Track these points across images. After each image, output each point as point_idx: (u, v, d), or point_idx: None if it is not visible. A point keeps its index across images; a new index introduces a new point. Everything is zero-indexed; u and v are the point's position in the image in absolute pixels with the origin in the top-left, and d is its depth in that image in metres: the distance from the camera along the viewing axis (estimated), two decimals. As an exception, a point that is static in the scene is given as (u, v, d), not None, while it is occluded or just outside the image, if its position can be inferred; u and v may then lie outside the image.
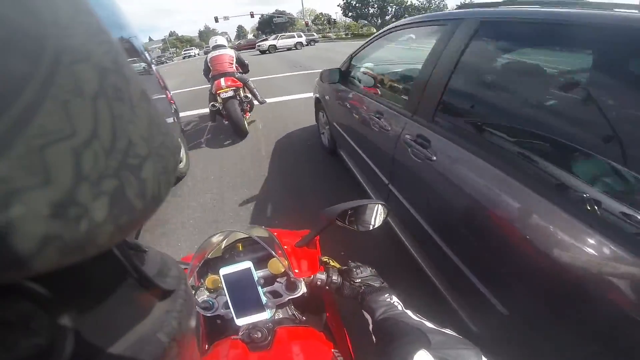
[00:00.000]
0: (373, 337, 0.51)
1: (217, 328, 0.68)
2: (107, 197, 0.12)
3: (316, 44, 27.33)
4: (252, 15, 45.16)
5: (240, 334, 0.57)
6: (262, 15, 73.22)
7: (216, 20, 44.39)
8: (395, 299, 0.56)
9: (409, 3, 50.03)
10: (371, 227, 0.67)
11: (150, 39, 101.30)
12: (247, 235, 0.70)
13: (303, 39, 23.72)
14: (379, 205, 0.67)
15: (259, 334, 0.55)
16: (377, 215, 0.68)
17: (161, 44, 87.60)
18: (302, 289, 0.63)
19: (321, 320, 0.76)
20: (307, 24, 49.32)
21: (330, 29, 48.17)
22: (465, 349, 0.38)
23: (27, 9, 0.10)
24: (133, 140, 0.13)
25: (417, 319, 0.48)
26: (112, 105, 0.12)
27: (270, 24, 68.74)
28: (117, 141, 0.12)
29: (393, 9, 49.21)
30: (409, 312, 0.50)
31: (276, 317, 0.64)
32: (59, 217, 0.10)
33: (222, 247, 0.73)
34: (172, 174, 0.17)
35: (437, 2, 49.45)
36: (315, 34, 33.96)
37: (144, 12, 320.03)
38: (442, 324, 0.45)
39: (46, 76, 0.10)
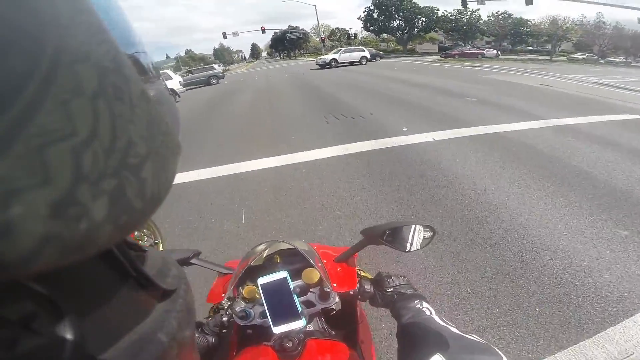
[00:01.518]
0: (397, 342, 0.51)
1: (247, 336, 0.70)
2: (106, 197, 0.12)
3: (381, 59, 27.58)
4: (263, 31, 43.48)
5: (272, 341, 0.59)
6: (275, 32, 73.78)
7: (224, 36, 43.73)
8: (425, 305, 0.57)
9: (440, 14, 46.78)
10: (415, 249, 0.69)
11: (167, 57, 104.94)
12: (288, 247, 0.74)
13: (367, 53, 23.42)
14: (428, 228, 0.70)
15: (290, 344, 0.57)
16: (422, 236, 0.69)
17: (174, 62, 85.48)
18: (335, 299, 0.65)
19: (350, 336, 0.77)
20: (323, 40, 48.73)
21: (349, 44, 48.12)
22: (487, 355, 0.37)
23: (27, 9, 0.10)
24: (133, 139, 0.13)
25: (443, 324, 0.48)
26: (112, 105, 0.12)
27: (284, 41, 69.89)
28: (117, 141, 0.12)
29: (421, 21, 46.39)
30: (436, 318, 0.51)
31: (307, 329, 0.65)
32: (59, 216, 0.10)
33: (264, 256, 0.77)
34: (172, 173, 0.17)
35: (468, 15, 46.21)
36: (374, 49, 34.97)
37: (163, 29, 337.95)
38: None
39: (46, 76, 0.10)
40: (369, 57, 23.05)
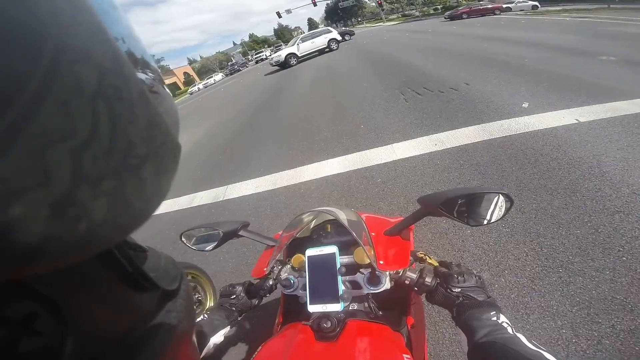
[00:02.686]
0: None
1: (295, 308, 0.68)
2: (106, 198, 0.12)
3: (352, 37, 21.39)
4: (314, 4, 40.48)
5: (311, 320, 0.58)
6: (327, 3, 66.84)
7: (279, 15, 42.05)
8: (503, 319, 0.49)
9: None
10: (485, 222, 0.58)
11: (233, 44, 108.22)
12: (334, 218, 0.69)
13: (335, 34, 17.40)
14: (500, 195, 0.59)
15: (328, 324, 0.55)
16: (495, 207, 0.59)
17: (240, 48, 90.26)
18: (386, 285, 0.61)
19: (401, 321, 0.71)
20: (380, 4, 42.87)
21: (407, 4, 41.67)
22: None
23: (27, 9, 0.10)
24: (133, 140, 0.13)
25: (534, 348, 0.41)
26: (112, 105, 0.12)
27: (337, 11, 64.95)
28: (116, 141, 0.12)
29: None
30: (522, 337, 0.44)
31: (350, 308, 0.64)
32: (59, 217, 0.11)
33: (311, 227, 0.74)
34: (172, 173, 0.17)
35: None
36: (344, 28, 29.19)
37: (222, 18, 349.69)
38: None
39: (46, 76, 0.10)
40: (339, 38, 17.33)
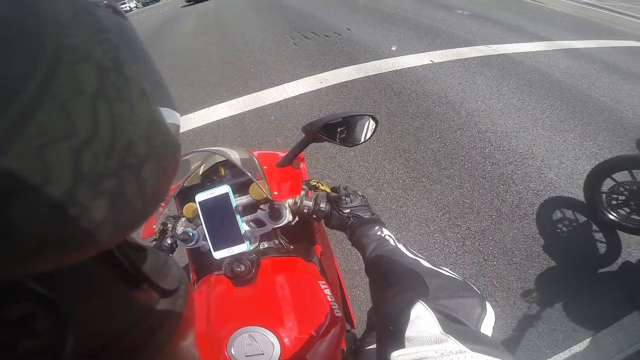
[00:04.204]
0: (368, 278, 0.48)
1: (205, 261, 0.65)
2: (106, 197, 0.12)
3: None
4: None
5: (223, 268, 0.56)
6: None
7: None
8: (386, 232, 0.54)
9: None
10: (359, 143, 0.64)
11: None
12: (225, 158, 0.66)
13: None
14: (369, 117, 0.64)
15: (242, 268, 0.54)
16: (366, 129, 0.64)
17: None
18: (287, 217, 0.61)
19: (310, 251, 0.73)
20: None
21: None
22: (468, 296, 0.35)
23: (27, 8, 0.10)
24: (133, 139, 0.13)
25: (412, 256, 0.45)
26: (112, 105, 0.12)
27: None
28: (116, 141, 0.12)
29: None
30: (402, 248, 0.49)
31: (261, 248, 0.64)
32: (59, 216, 0.11)
33: (200, 172, 0.70)
34: (172, 173, 0.17)
35: None
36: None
37: None
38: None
39: (46, 75, 0.10)
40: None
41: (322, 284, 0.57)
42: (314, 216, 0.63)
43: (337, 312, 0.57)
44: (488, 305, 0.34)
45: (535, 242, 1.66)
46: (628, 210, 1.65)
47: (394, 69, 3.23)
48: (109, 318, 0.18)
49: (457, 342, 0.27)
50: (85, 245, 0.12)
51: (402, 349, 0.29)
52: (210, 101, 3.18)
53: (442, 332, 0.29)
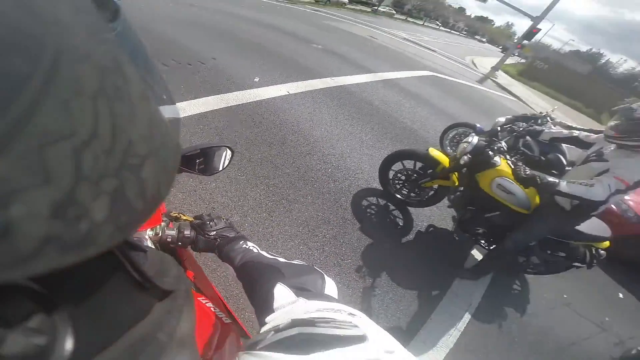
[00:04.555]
0: (241, 283, 0.55)
1: None
2: (107, 197, 0.12)
3: None
4: None
5: None
6: None
7: None
8: (250, 244, 0.62)
9: None
10: (217, 172, 0.71)
11: None
12: None
13: None
14: (226, 148, 0.71)
15: None
16: (224, 158, 0.71)
17: None
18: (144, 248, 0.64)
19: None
20: None
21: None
22: (312, 274, 0.48)
23: (27, 8, 0.10)
24: (133, 140, 0.13)
25: (272, 256, 0.56)
26: (113, 105, 0.13)
27: None
28: (117, 141, 0.13)
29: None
30: (264, 253, 0.58)
31: None
32: (59, 217, 0.11)
33: None
34: (173, 173, 0.17)
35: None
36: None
37: None
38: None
39: (46, 75, 0.10)
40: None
41: (202, 299, 0.59)
42: (180, 244, 0.65)
43: (226, 319, 0.60)
44: (327, 278, 0.48)
45: (374, 236, 2.29)
46: (406, 189, 2.50)
47: (255, 99, 3.58)
48: (109, 318, 0.18)
49: (305, 299, 0.39)
50: (86, 245, 0.12)
51: (273, 314, 0.39)
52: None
53: (296, 296, 0.41)
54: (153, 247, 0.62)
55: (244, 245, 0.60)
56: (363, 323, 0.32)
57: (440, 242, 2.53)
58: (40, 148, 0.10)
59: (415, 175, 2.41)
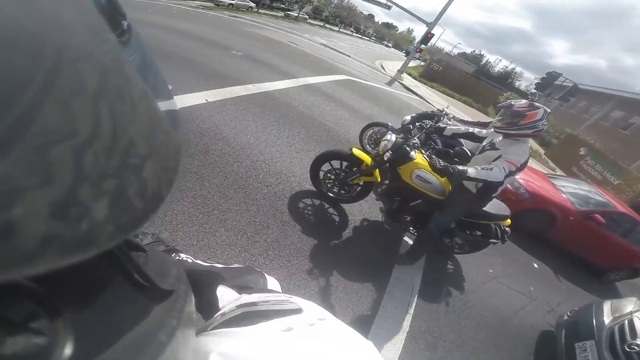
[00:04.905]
0: None
1: None
2: (107, 197, 0.12)
3: None
4: None
5: None
6: None
7: None
8: (183, 255, 0.64)
9: None
10: None
11: None
12: None
13: None
14: None
15: None
16: None
17: None
18: None
19: None
20: None
21: None
22: (252, 274, 0.51)
23: (29, 8, 0.10)
24: (134, 139, 0.14)
25: (208, 264, 0.57)
26: (114, 104, 0.13)
27: None
28: (118, 141, 0.13)
29: None
30: (199, 261, 0.60)
31: None
32: (60, 216, 0.11)
33: None
34: (174, 173, 0.18)
35: None
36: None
37: None
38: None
39: (48, 75, 0.10)
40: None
41: None
42: None
43: None
44: (268, 276, 0.50)
45: (314, 235, 2.37)
46: (336, 188, 2.68)
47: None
48: (109, 318, 0.18)
49: (247, 294, 0.41)
50: (86, 245, 0.12)
51: (218, 313, 0.39)
52: None
53: (238, 294, 0.42)
54: None
55: (177, 257, 0.60)
56: (298, 299, 0.37)
57: (375, 233, 2.77)
58: (42, 148, 0.10)
59: (342, 174, 2.60)
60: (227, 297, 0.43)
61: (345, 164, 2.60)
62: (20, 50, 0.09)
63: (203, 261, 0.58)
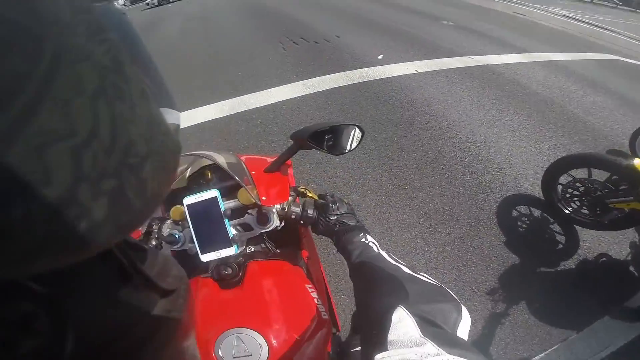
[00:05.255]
0: (353, 283, 0.49)
1: (191, 263, 0.62)
2: (106, 197, 0.12)
3: None
4: None
5: (210, 271, 0.57)
6: None
7: None
8: (370, 239, 0.57)
9: None
10: (346, 151, 0.67)
11: None
12: (212, 162, 0.67)
13: None
14: (355, 127, 0.67)
15: (229, 270, 0.55)
16: (352, 138, 0.67)
17: None
18: (275, 222, 0.62)
19: (297, 255, 0.75)
20: None
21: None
22: (445, 302, 0.37)
23: (27, 8, 0.10)
24: (133, 139, 0.13)
25: (393, 262, 0.48)
26: (112, 105, 0.12)
27: None
28: (117, 141, 0.12)
29: None
30: (384, 254, 0.51)
31: (248, 251, 0.64)
32: (59, 216, 0.11)
33: (187, 176, 0.69)
34: (172, 173, 0.17)
35: None
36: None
37: None
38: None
39: (46, 75, 0.10)
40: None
41: (309, 287, 0.58)
42: (302, 222, 0.64)
43: (324, 315, 0.58)
44: (464, 310, 0.37)
45: (512, 248, 1.73)
46: (579, 204, 1.76)
47: (380, 77, 3.32)
48: (109, 318, 0.18)
49: (435, 345, 0.29)
50: (86, 245, 0.12)
51: (385, 352, 0.31)
52: (196, 103, 3.16)
53: (421, 335, 0.30)
54: (278, 222, 0.62)
55: (363, 239, 0.56)
56: None
57: (606, 272, 1.69)
58: (40, 148, 0.10)
59: (600, 190, 1.65)
60: (402, 331, 0.31)
61: (595, 172, 1.65)
62: (18, 52, 0.09)
63: (388, 254, 0.50)
